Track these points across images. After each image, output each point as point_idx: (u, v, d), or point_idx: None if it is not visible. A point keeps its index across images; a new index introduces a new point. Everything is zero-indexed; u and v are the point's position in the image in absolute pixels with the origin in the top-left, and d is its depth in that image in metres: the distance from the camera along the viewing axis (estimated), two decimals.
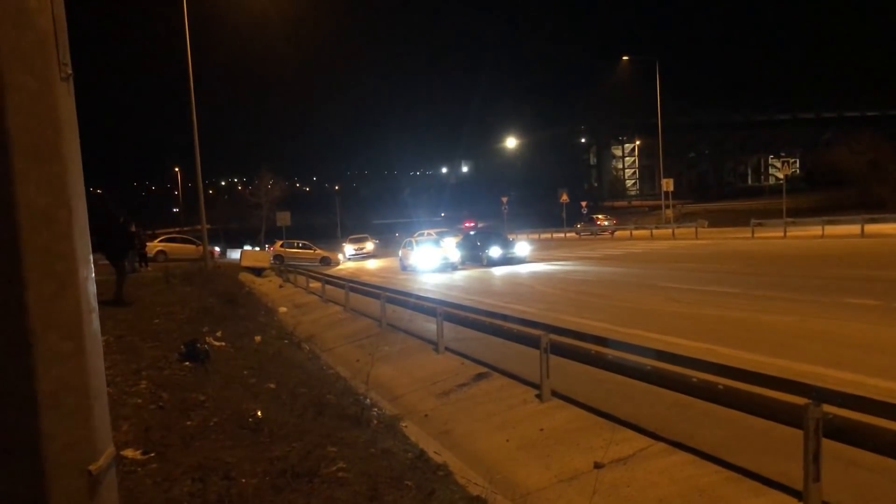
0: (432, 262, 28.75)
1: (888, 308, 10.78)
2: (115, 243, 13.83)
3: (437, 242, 32.26)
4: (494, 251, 28.73)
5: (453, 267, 28.68)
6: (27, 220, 1.35)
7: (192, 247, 38.50)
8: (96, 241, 15.07)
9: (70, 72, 1.49)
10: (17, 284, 1.34)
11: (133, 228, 15.15)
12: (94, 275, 1.57)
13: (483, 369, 9.10)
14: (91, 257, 1.56)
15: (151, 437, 5.01)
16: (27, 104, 1.37)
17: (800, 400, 4.36)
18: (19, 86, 1.36)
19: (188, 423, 5.45)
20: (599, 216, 58.52)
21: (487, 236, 32.11)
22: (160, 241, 39.62)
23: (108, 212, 15.28)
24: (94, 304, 1.56)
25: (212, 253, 42.30)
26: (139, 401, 6.13)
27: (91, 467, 1.46)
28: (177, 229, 60.85)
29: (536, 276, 22.46)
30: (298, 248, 42.36)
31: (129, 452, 4.65)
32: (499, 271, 25.69)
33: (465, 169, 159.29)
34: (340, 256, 43.05)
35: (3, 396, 1.35)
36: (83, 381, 1.47)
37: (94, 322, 1.56)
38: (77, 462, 1.44)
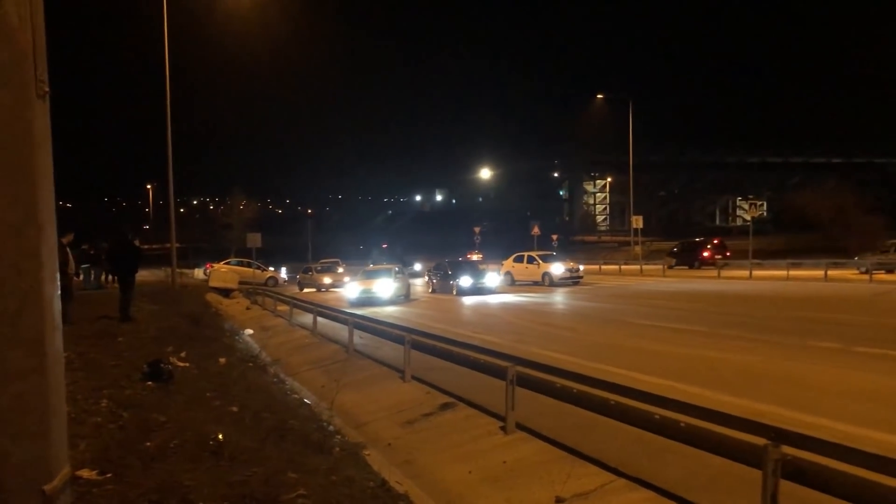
0: (352, 294, 26.57)
1: (849, 351, 10.96)
2: (128, 263, 14.13)
3: (389, 273, 27.81)
4: (465, 281, 28.83)
5: (381, 302, 25.13)
6: None
7: (252, 270, 39.39)
8: (112, 262, 15.26)
9: (47, 89, 1.49)
10: None
11: (138, 244, 15.34)
12: (59, 292, 1.56)
13: (449, 399, 9.07)
14: (57, 275, 1.56)
15: (109, 457, 4.91)
16: (2, 120, 1.37)
17: (760, 440, 4.41)
18: None
19: (148, 443, 5.35)
20: (473, 252, 58.62)
21: (459, 266, 32.24)
22: (224, 264, 40.74)
23: (123, 235, 15.51)
24: (59, 321, 1.55)
25: (275, 277, 42.74)
26: (99, 419, 6.02)
27: (46, 487, 1.44)
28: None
29: (506, 307, 22.51)
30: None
31: (85, 472, 4.56)
32: (469, 300, 25.72)
33: (439, 198, 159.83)
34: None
35: None
36: (43, 399, 1.45)
37: (58, 339, 1.55)
38: (31, 482, 1.42)
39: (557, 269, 32.15)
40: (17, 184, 1.40)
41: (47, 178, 1.51)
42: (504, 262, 36.10)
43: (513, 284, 33.55)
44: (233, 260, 43.50)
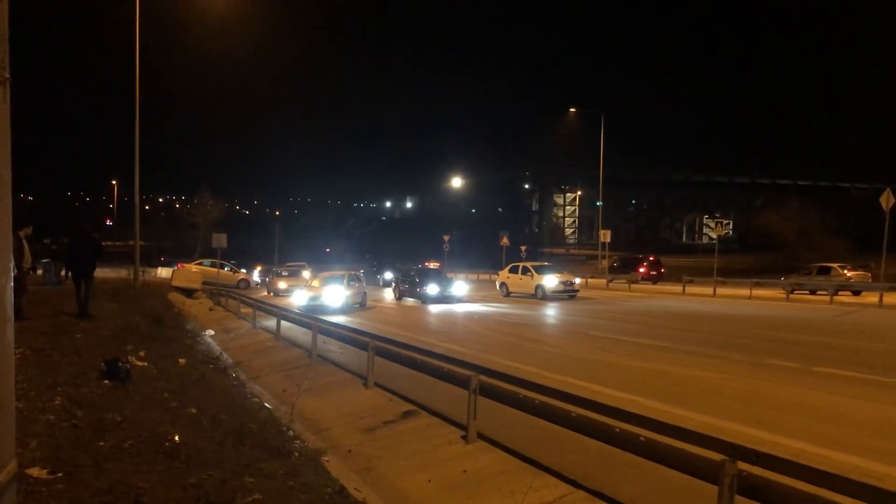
0: (300, 301, 24.77)
1: (807, 371, 11.13)
2: (88, 260, 13.88)
3: (340, 280, 26.33)
4: (432, 289, 28.77)
5: (331, 311, 23.04)
6: None
7: (223, 271, 38.79)
8: (71, 258, 14.87)
9: (8, 76, 1.45)
10: None
11: (98, 239, 14.96)
12: (12, 284, 1.52)
13: (411, 407, 9.04)
14: (11, 266, 1.51)
15: (61, 457, 4.83)
16: None
17: (717, 456, 4.46)
18: None
19: (102, 443, 5.27)
20: (431, 260, 58.58)
21: (426, 274, 32.16)
22: (195, 265, 40.17)
23: (83, 231, 15.12)
24: (10, 313, 1.50)
25: (246, 279, 41.89)
26: (52, 417, 5.91)
27: None
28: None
29: (472, 317, 22.53)
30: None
31: (35, 471, 4.46)
32: (435, 309, 25.70)
33: (409, 204, 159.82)
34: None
35: None
36: None
37: (8, 333, 1.50)
38: None
39: (550, 281, 30.29)
40: None
41: (4, 167, 1.47)
42: (500, 273, 34.94)
43: (508, 296, 32.16)
44: (205, 261, 42.79)
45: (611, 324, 19.33)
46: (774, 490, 4.12)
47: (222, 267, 40.95)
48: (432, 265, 52.09)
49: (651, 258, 48.11)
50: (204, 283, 35.07)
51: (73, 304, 13.80)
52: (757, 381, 10.38)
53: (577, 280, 33.15)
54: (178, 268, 41.73)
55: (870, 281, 30.97)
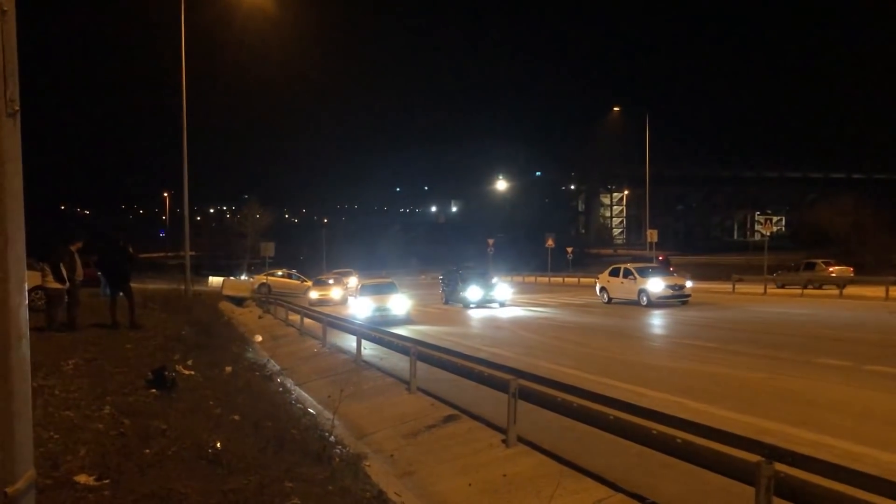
0: (363, 311, 23.16)
1: (858, 369, 10.87)
2: (122, 271, 14.29)
3: (381, 289, 25.48)
4: (475, 292, 28.59)
5: (399, 320, 22.49)
6: None
7: (297, 282, 39.49)
8: (108, 272, 15.29)
9: (17, 108, 1.54)
10: None
11: (131, 250, 15.29)
12: (27, 301, 1.61)
13: (453, 411, 9.07)
14: (25, 285, 1.60)
15: (108, 464, 4.99)
16: None
17: (754, 457, 4.40)
18: None
19: (147, 451, 5.42)
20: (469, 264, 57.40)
21: (469, 278, 31.98)
22: (265, 275, 41.10)
23: (114, 242, 15.53)
24: (25, 330, 1.59)
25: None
26: (100, 426, 6.10)
27: (8, 490, 1.48)
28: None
29: (517, 321, 22.50)
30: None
31: (82, 478, 4.63)
32: (479, 313, 25.69)
33: (454, 209, 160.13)
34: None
35: None
36: (6, 404, 1.50)
37: (23, 347, 1.58)
38: None
39: (656, 285, 26.52)
40: None
41: (16, 193, 1.55)
42: (600, 276, 31.63)
43: (609, 302, 28.98)
44: (278, 271, 43.65)
45: (657, 325, 19.13)
46: (813, 492, 4.05)
47: (290, 276, 41.87)
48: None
49: (660, 257, 47.99)
50: (275, 292, 35.84)
51: (123, 315, 14.09)
52: (806, 380, 10.18)
53: (689, 283, 29.06)
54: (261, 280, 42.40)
55: (851, 276, 32.97)
